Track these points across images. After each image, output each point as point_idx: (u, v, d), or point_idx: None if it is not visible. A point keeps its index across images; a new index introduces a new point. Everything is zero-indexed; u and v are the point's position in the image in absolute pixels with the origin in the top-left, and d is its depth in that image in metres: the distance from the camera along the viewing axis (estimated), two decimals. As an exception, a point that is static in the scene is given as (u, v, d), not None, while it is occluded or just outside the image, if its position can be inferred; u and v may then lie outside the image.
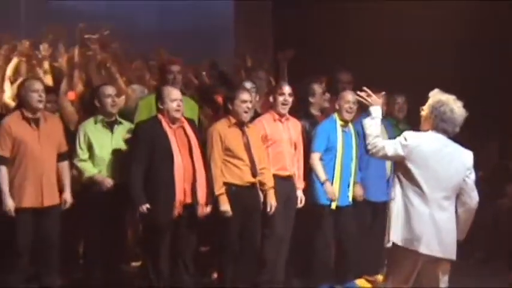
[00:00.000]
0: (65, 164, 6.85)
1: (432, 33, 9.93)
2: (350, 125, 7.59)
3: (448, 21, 9.84)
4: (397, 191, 5.43)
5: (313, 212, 7.52)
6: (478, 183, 8.99)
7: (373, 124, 5.49)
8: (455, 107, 5.41)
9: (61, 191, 6.82)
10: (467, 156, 5.46)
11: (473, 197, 5.43)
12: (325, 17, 10.62)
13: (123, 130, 7.12)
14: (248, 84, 7.61)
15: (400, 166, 5.41)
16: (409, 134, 5.40)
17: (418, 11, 9.90)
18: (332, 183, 7.44)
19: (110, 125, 7.09)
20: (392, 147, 5.37)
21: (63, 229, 6.94)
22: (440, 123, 5.40)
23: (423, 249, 5.28)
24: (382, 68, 9.79)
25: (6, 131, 6.66)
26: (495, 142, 10.00)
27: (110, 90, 7.15)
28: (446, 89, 9.37)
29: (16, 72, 7.62)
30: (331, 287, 7.65)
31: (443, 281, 5.46)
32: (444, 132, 5.40)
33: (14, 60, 7.70)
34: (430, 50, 9.96)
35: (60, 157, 6.84)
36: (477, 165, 9.23)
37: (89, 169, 6.93)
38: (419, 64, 9.88)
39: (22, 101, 6.78)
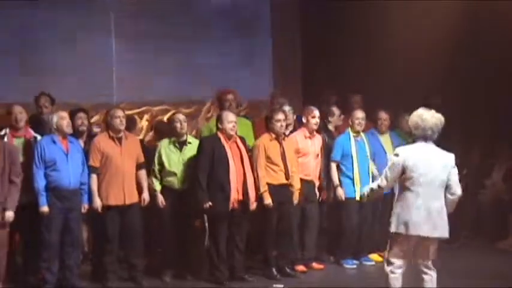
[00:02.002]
0: (143, 172, 7.66)
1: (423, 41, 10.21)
2: (362, 134, 8.48)
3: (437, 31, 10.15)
4: (399, 189, 5.96)
5: (341, 204, 8.42)
6: (463, 178, 9.70)
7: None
8: (424, 117, 5.86)
9: (140, 192, 7.62)
10: (449, 158, 5.91)
11: (457, 190, 5.91)
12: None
13: (191, 149, 7.81)
14: (286, 107, 8.39)
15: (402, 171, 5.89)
16: (399, 149, 5.96)
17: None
18: (353, 181, 8.33)
19: (180, 145, 7.81)
20: (392, 170, 5.84)
21: (145, 223, 7.74)
22: (417, 131, 5.91)
23: (420, 232, 5.80)
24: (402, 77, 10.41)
25: (96, 147, 7.52)
26: (477, 145, 10.39)
27: (180, 116, 7.96)
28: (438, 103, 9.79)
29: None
30: (352, 260, 8.49)
31: (433, 253, 5.97)
32: (424, 138, 5.87)
33: None
34: (423, 61, 10.18)
35: (139, 167, 7.66)
36: (463, 164, 9.87)
37: (156, 185, 7.76)
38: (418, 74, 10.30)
39: (108, 124, 7.65)
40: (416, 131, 5.91)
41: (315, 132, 8.35)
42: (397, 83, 10.39)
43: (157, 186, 7.79)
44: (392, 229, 5.88)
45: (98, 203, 7.47)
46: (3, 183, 7.07)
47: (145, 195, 7.66)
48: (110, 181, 7.52)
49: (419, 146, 5.90)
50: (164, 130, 8.54)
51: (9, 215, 7.08)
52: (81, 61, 10.56)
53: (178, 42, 11.14)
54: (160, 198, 7.75)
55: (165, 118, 9.52)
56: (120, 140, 7.61)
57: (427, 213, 5.81)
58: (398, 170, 5.84)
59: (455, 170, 5.93)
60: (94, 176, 7.51)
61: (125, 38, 10.91)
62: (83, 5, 10.69)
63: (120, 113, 7.68)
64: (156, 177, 7.81)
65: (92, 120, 9.19)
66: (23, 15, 10.39)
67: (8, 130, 7.53)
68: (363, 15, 10.81)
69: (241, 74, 11.25)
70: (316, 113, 8.28)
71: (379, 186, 6.02)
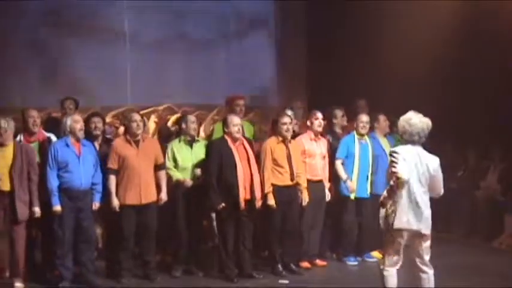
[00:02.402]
0: (162, 172, 7.86)
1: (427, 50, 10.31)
2: (366, 137, 8.67)
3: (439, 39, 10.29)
4: (389, 188, 6.04)
5: (340, 203, 8.64)
6: (460, 179, 10.38)
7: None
8: (411, 122, 6.06)
9: (159, 191, 7.81)
10: (434, 160, 6.12)
11: (440, 189, 6.17)
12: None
13: (200, 146, 8.09)
14: (289, 112, 8.58)
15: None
16: (397, 149, 6.11)
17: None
18: (351, 180, 8.53)
19: (190, 143, 8.06)
20: (402, 161, 5.95)
21: (159, 221, 7.88)
22: (404, 136, 6.12)
23: (410, 226, 6.01)
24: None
25: (114, 150, 7.72)
26: (473, 148, 10.62)
27: (193, 118, 8.25)
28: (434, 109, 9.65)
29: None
30: (355, 257, 8.70)
31: (426, 252, 6.14)
32: (412, 142, 6.07)
33: None
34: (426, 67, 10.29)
35: (158, 167, 7.84)
36: (459, 166, 10.56)
37: (175, 175, 7.97)
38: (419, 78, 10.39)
39: (126, 128, 7.94)
40: (404, 135, 6.12)
41: (319, 135, 8.53)
42: (397, 88, 10.59)
43: (179, 175, 7.98)
44: (389, 223, 6.06)
45: (115, 202, 7.67)
46: (23, 182, 7.39)
47: (163, 195, 7.86)
48: (127, 182, 7.72)
49: (409, 148, 6.10)
50: (167, 134, 8.78)
51: (37, 210, 7.43)
52: (96, 63, 10.94)
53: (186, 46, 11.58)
54: (187, 182, 7.92)
55: (169, 122, 9.67)
56: (137, 142, 7.80)
57: (418, 210, 6.03)
58: (404, 163, 6.01)
59: (440, 172, 6.14)
60: (112, 177, 7.71)
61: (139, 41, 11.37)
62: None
63: (137, 117, 7.90)
64: (172, 170, 7.99)
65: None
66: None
67: (22, 136, 7.77)
68: (366, 20, 11.08)
69: (247, 79, 11.56)
70: (319, 115, 8.49)
71: (397, 179, 5.97)
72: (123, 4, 11.41)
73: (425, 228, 6.10)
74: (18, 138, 7.72)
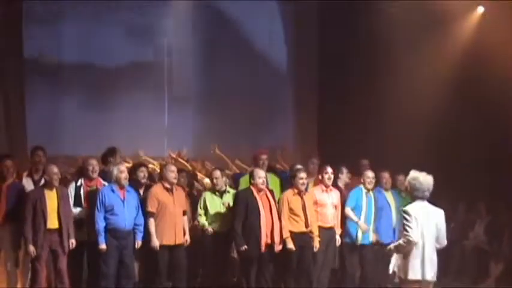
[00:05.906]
0: (185, 218, 8.21)
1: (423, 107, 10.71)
2: (371, 192, 8.98)
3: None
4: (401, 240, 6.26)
5: (344, 248, 8.93)
6: (451, 230, 10.07)
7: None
8: (421, 180, 6.25)
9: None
10: (440, 214, 6.37)
11: (444, 241, 6.37)
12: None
13: (229, 197, 8.49)
14: (301, 168, 8.83)
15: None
16: (408, 209, 6.27)
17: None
18: (356, 229, 8.78)
19: (221, 194, 8.52)
20: (414, 224, 6.14)
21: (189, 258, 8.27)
22: (416, 193, 6.31)
23: (424, 277, 6.22)
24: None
25: (154, 196, 8.03)
26: (463, 203, 10.84)
27: (218, 173, 8.70)
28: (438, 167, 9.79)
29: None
30: None
31: None
32: (421, 198, 6.28)
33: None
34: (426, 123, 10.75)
35: (183, 213, 8.23)
36: (451, 219, 10.37)
37: (201, 220, 8.47)
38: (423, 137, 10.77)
39: (164, 177, 8.19)
40: (416, 192, 6.32)
41: (331, 187, 8.82)
42: (397, 148, 10.86)
43: (205, 222, 8.48)
44: (402, 275, 6.29)
45: (156, 242, 7.99)
46: (66, 220, 7.85)
47: (187, 237, 8.24)
48: (164, 224, 8.04)
49: (420, 204, 6.33)
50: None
51: (73, 241, 7.86)
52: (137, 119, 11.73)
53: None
54: (210, 229, 8.40)
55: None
56: (172, 190, 8.17)
57: (429, 261, 6.25)
58: (416, 223, 6.24)
59: (444, 225, 6.37)
60: (152, 220, 8.01)
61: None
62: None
63: (173, 168, 8.28)
64: (201, 216, 8.51)
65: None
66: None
67: (82, 181, 8.22)
68: (370, 89, 11.61)
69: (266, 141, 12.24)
70: (329, 170, 8.80)
71: (408, 241, 6.20)
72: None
73: (434, 275, 6.34)
74: (79, 182, 8.18)
